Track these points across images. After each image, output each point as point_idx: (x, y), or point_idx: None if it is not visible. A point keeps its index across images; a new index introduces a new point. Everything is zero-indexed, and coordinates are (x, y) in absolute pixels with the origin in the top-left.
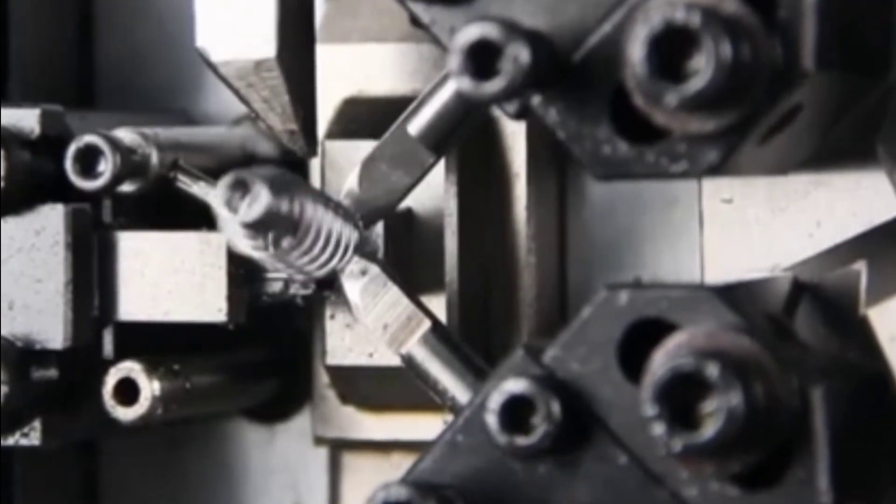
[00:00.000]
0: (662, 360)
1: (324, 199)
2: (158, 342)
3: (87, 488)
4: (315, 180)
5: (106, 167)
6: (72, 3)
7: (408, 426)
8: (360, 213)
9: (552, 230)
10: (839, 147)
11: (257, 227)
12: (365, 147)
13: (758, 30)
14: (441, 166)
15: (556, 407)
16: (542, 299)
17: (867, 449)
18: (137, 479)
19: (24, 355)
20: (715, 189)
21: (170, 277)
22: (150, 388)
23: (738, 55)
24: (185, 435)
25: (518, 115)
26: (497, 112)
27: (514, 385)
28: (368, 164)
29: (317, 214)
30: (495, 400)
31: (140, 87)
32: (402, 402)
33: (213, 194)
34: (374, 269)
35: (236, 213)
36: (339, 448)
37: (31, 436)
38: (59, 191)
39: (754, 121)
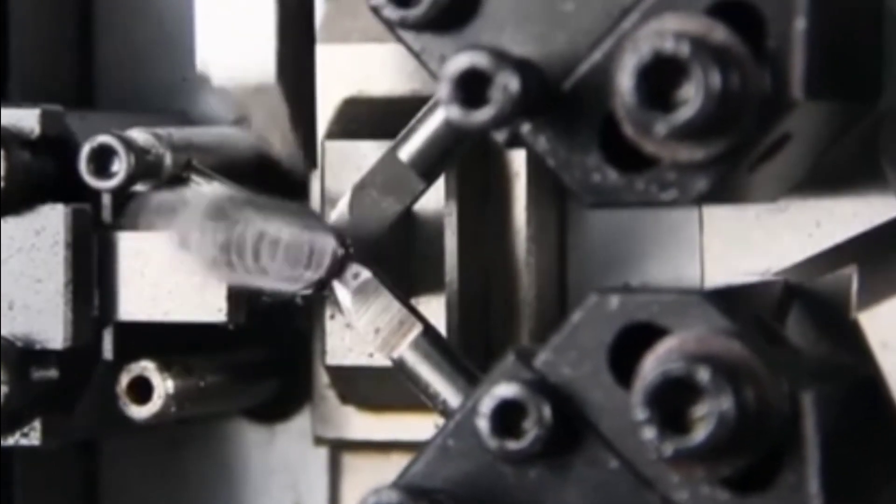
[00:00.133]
0: (653, 364)
1: (280, 210)
2: (159, 342)
3: (87, 488)
4: (315, 180)
5: (120, 167)
6: (72, 3)
7: (407, 426)
8: (350, 240)
9: (552, 230)
10: (839, 164)
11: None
12: (365, 147)
13: (747, 59)
14: None
15: (547, 411)
16: (542, 299)
17: (858, 453)
18: (137, 479)
19: (24, 355)
20: None
21: (170, 277)
22: (163, 386)
23: (727, 84)
24: (185, 435)
25: (508, 144)
26: None
27: (506, 389)
28: (359, 191)
29: (265, 231)
30: (486, 404)
31: (140, 87)
32: (402, 403)
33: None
34: (366, 274)
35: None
36: (338, 448)
37: (31, 436)
38: (59, 191)
39: (744, 149)
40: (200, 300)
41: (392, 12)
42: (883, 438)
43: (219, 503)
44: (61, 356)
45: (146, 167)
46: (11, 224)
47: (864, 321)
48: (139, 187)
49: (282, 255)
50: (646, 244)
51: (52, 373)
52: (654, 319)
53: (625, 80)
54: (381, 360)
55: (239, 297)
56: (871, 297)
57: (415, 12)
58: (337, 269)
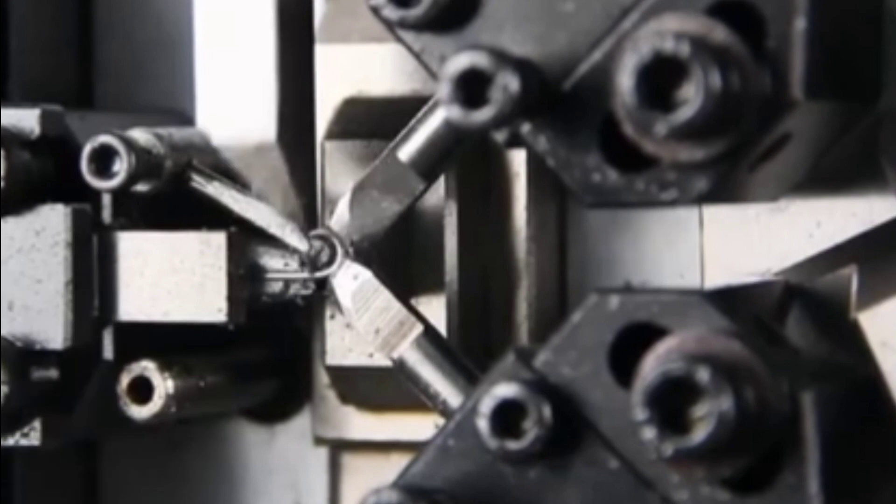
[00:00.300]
0: (653, 364)
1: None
2: (158, 342)
3: (87, 488)
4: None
5: (121, 167)
6: (72, 3)
7: (407, 426)
8: (350, 240)
9: (552, 230)
10: (838, 165)
11: None
12: (365, 147)
13: (747, 59)
14: None
15: (547, 411)
16: (542, 299)
17: (858, 453)
18: (137, 479)
19: (24, 355)
20: None
21: (170, 277)
22: (164, 386)
23: (727, 84)
24: (184, 435)
25: (508, 144)
26: None
27: (506, 389)
28: (359, 191)
29: None
30: (486, 404)
31: (140, 87)
32: (402, 403)
33: (261, 212)
34: (366, 274)
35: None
36: (338, 448)
37: (31, 436)
38: (59, 191)
39: (744, 149)
40: (200, 300)
41: (392, 12)
42: (883, 438)
43: (219, 503)
44: (61, 356)
45: (147, 167)
46: (11, 224)
47: (864, 321)
48: (140, 187)
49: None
50: (646, 244)
51: (52, 373)
52: (654, 319)
53: (625, 80)
54: (381, 360)
55: (239, 297)
56: (870, 296)
57: (415, 12)
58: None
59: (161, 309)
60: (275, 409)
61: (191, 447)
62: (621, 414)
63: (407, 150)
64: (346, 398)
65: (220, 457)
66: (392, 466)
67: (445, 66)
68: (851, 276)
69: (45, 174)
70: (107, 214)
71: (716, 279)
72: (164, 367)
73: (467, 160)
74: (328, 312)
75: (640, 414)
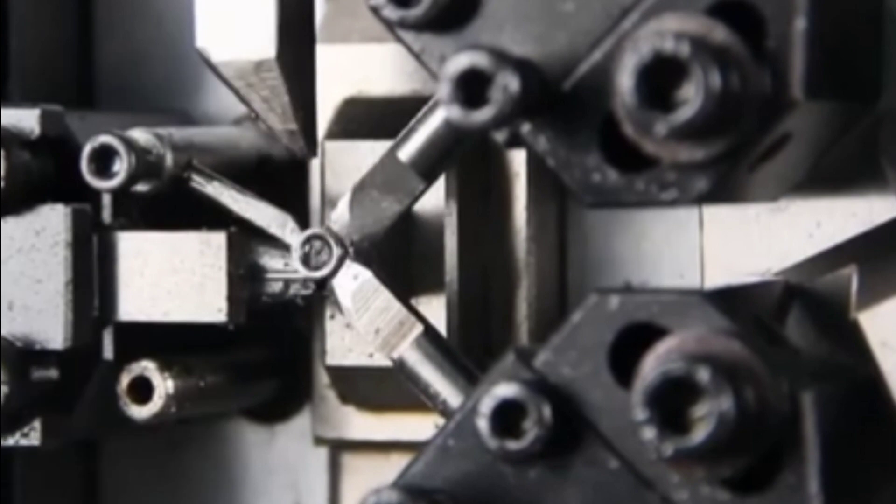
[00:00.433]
0: (653, 364)
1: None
2: (158, 342)
3: (87, 488)
4: (315, 180)
5: (121, 167)
6: (72, 3)
7: (407, 427)
8: (350, 240)
9: (552, 230)
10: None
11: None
12: (365, 147)
13: (747, 59)
14: None
15: (547, 411)
16: (542, 299)
17: (858, 453)
18: (137, 479)
19: (24, 355)
20: None
21: (170, 277)
22: (164, 386)
23: (727, 84)
24: (184, 435)
25: (508, 144)
26: None
27: (506, 389)
28: (359, 191)
29: None
30: (486, 404)
31: (140, 87)
32: (402, 403)
33: (261, 212)
34: (366, 274)
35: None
36: (338, 448)
37: (31, 436)
38: (59, 191)
39: (744, 149)
40: (200, 300)
41: (392, 12)
42: (883, 438)
43: (219, 503)
44: (61, 356)
45: (147, 167)
46: (11, 224)
47: (864, 321)
48: (140, 187)
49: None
50: (646, 244)
51: (52, 373)
52: (654, 319)
53: (625, 80)
54: (381, 360)
55: (239, 297)
56: (870, 296)
57: (415, 12)
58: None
59: (161, 309)
60: (275, 409)
61: (191, 447)
62: (621, 414)
63: (407, 150)
64: (346, 398)
65: (220, 457)
66: (392, 466)
67: (445, 66)
68: (851, 276)
69: (45, 174)
70: (107, 214)
71: (716, 279)
72: (164, 367)
73: (467, 160)
74: (328, 312)
75: (640, 414)
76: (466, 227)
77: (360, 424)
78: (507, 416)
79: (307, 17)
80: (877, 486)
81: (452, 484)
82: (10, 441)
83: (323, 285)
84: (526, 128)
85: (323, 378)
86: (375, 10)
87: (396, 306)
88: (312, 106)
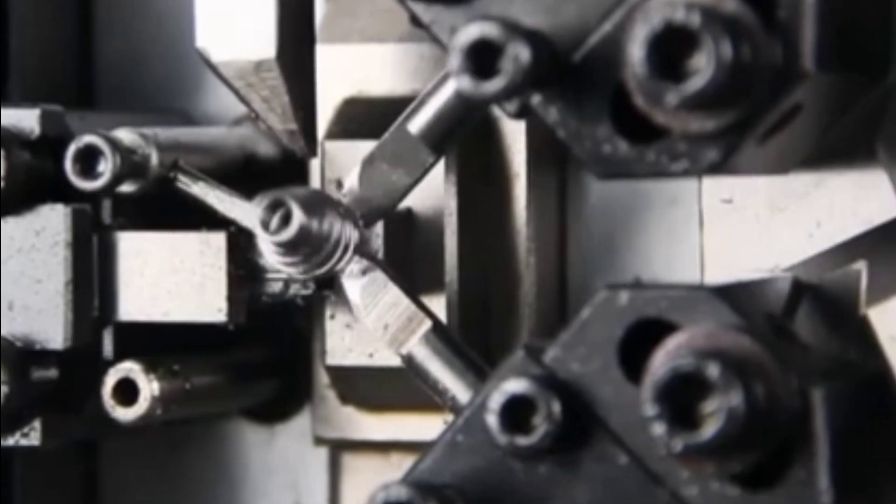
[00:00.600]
0: (663, 360)
1: (332, 202)
2: (158, 342)
3: (87, 488)
4: (315, 180)
5: (106, 167)
6: (72, 3)
7: (408, 426)
8: (361, 213)
9: (552, 230)
10: (839, 147)
11: (292, 246)
12: (365, 147)
13: (757, 30)
14: (441, 166)
15: (556, 407)
16: (542, 299)
17: (868, 449)
18: (137, 479)
19: (24, 355)
20: (715, 189)
21: (169, 277)
22: (149, 388)
23: (738, 55)
24: (184, 435)
25: (518, 115)
26: (497, 112)
27: (515, 385)
28: (369, 164)
29: (341, 228)
30: (496, 400)
31: (140, 87)
32: (402, 403)
33: (247, 212)
34: (375, 270)
35: (272, 234)
36: (339, 448)
37: (31, 436)
38: (59, 191)
39: (754, 120)
40: (200, 300)
41: None
42: (892, 434)
43: (219, 503)
44: (61, 356)
45: (132, 167)
46: (11, 224)
47: (874, 316)
48: (126, 188)
49: (341, 251)
50: (646, 244)
51: (52, 373)
52: (663, 315)
53: (635, 51)
54: (381, 360)
55: (239, 297)
56: (880, 292)
57: None
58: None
59: (161, 309)
60: (275, 409)
61: (191, 447)
62: (631, 410)
63: (417, 123)
64: (346, 398)
65: (220, 457)
66: (392, 466)
67: (456, 37)
68: (861, 273)
69: (45, 174)
70: (107, 214)
71: (716, 279)
72: (150, 368)
73: (468, 160)
74: (328, 312)
75: (650, 410)
76: (466, 227)
77: (360, 424)
78: (517, 412)
79: (307, 17)
80: (886, 481)
81: (461, 479)
82: (10, 441)
83: (323, 285)
84: (536, 99)
85: (323, 378)
86: None
87: (405, 302)
88: (312, 106)
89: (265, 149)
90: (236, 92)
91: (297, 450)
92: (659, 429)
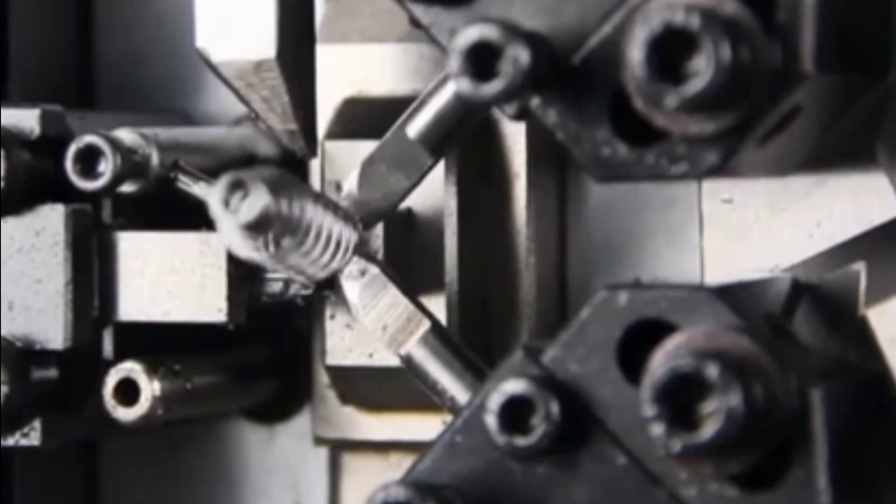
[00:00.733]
0: (662, 360)
1: (323, 199)
2: (158, 342)
3: (87, 488)
4: (315, 180)
5: (106, 167)
6: (72, 3)
7: (407, 426)
8: (360, 215)
9: (552, 230)
10: (839, 147)
11: (255, 228)
12: (365, 147)
13: (757, 32)
14: (441, 166)
15: (555, 407)
16: (542, 299)
17: (867, 449)
18: (137, 479)
19: (24, 355)
20: (715, 189)
21: (169, 277)
22: (150, 388)
23: (737, 57)
24: (184, 435)
25: (517, 117)
26: (497, 113)
27: (514, 386)
28: (368, 166)
29: (316, 215)
30: (495, 400)
31: (140, 87)
32: (402, 403)
33: (210, 194)
34: (374, 270)
35: (234, 214)
36: (338, 448)
37: (31, 436)
38: (59, 191)
39: (754, 122)
40: (200, 300)
41: None
42: (891, 435)
43: (219, 503)
44: (61, 356)
45: (133, 167)
46: (11, 224)
47: (873, 317)
48: (126, 188)
49: (323, 243)
50: (646, 244)
51: (52, 373)
52: (662, 315)
53: (635, 53)
54: (381, 360)
55: (239, 297)
56: (879, 293)
57: None
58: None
59: (161, 309)
60: (275, 409)
61: (191, 447)
62: (630, 410)
63: (416, 126)
64: (346, 398)
65: (220, 457)
66: (392, 466)
67: (455, 39)
68: (860, 273)
69: (45, 174)
70: (107, 214)
71: (716, 279)
72: (151, 368)
73: (468, 160)
74: (328, 312)
75: (649, 410)
76: (466, 226)
77: (360, 424)
78: (515, 413)
79: (307, 17)
80: (885, 482)
81: (460, 480)
82: (10, 441)
83: (323, 285)
84: (535, 101)
85: (323, 378)
86: None
87: (404, 302)
88: (312, 106)
89: (265, 149)
90: (236, 92)
91: (297, 450)
92: (658, 429)
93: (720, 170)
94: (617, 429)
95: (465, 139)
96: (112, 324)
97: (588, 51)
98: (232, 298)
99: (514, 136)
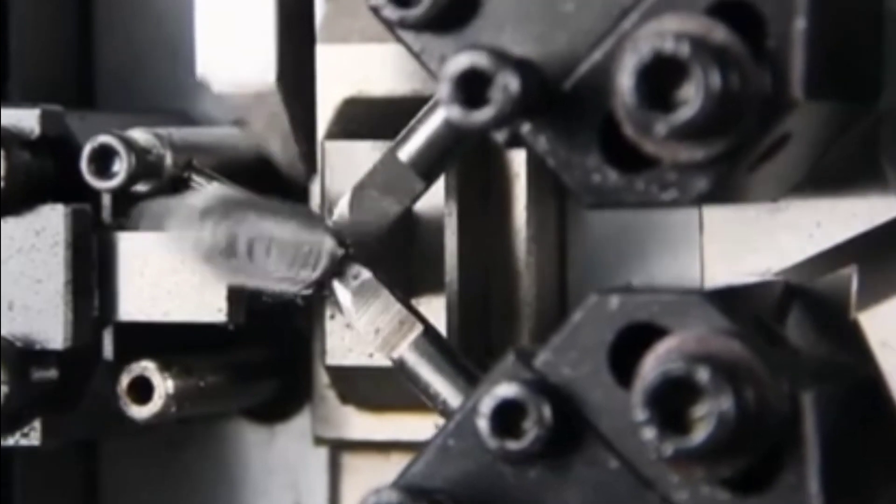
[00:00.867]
0: (653, 364)
1: (277, 211)
2: (158, 342)
3: (87, 488)
4: (315, 181)
5: (121, 167)
6: (72, 3)
7: (407, 426)
8: (351, 239)
9: (552, 230)
10: (838, 167)
11: (211, 259)
12: (365, 147)
13: (747, 59)
14: None
15: (547, 411)
16: (542, 299)
17: (858, 453)
18: (137, 479)
19: (24, 355)
20: None
21: (169, 277)
22: (164, 386)
23: (727, 84)
24: (185, 435)
25: (508, 144)
26: None
27: (506, 389)
28: (359, 191)
29: (261, 231)
30: (487, 404)
31: (140, 87)
32: (402, 403)
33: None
34: (366, 274)
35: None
36: (338, 448)
37: (31, 436)
38: (59, 191)
39: (744, 149)
40: (200, 300)
41: (392, 12)
42: (883, 438)
43: (219, 503)
44: (61, 356)
45: (147, 167)
46: (11, 224)
47: (864, 321)
48: (140, 187)
49: (277, 255)
50: (646, 244)
51: (52, 373)
52: (654, 319)
53: (625, 80)
54: (381, 360)
55: (239, 297)
56: (870, 296)
57: (415, 12)
58: (335, 269)
59: (161, 309)
60: (275, 409)
61: (191, 447)
62: (621, 414)
63: (407, 150)
64: (346, 398)
65: (220, 457)
66: (392, 466)
67: (445, 66)
68: (851, 277)
69: (45, 174)
70: (107, 214)
71: (716, 280)
72: (164, 367)
73: (468, 161)
74: (328, 312)
75: (640, 414)
76: (466, 227)
77: (360, 424)
78: (507, 416)
79: (308, 42)
80: (877, 485)
81: (452, 484)
82: (10, 441)
83: (322, 286)
84: (526, 128)
85: (323, 378)
86: (375, 10)
87: (396, 306)
88: (312, 133)
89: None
90: (238, 118)
91: (297, 450)
92: (649, 433)
93: (710, 196)
94: (609, 433)
95: (456, 162)
96: (112, 324)
97: (578, 78)
98: (232, 298)
99: None
